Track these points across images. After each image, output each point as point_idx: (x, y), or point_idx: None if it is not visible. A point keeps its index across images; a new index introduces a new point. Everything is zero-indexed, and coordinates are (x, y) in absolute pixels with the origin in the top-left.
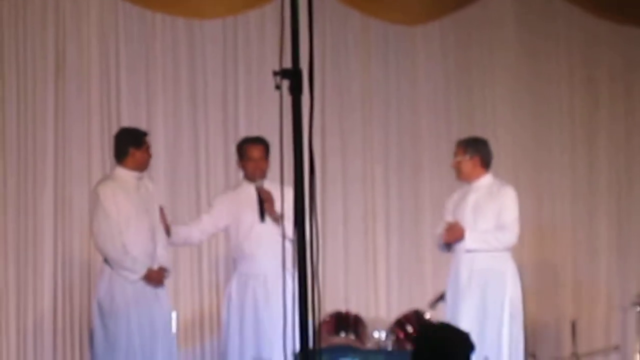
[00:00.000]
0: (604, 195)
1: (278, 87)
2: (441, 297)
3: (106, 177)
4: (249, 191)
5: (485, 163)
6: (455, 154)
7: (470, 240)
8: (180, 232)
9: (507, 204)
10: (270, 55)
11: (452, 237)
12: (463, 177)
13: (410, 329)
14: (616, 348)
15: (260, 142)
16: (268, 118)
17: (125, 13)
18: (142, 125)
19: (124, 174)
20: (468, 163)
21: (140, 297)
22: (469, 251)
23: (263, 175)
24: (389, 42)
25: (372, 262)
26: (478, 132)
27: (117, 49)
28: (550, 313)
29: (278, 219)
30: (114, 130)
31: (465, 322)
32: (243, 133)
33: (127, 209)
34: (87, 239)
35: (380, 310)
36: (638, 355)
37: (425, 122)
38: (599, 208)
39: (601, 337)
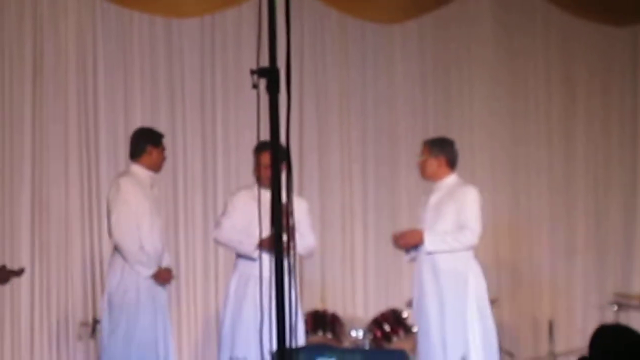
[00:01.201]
0: (581, 192)
1: (255, 85)
2: None
3: (124, 172)
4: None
5: (451, 163)
6: (421, 153)
7: (429, 243)
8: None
9: (467, 204)
10: (248, 54)
11: (409, 243)
12: (427, 176)
13: (387, 327)
14: None
15: (266, 148)
16: (245, 116)
17: (103, 12)
18: (120, 125)
19: (140, 171)
20: (433, 162)
21: (154, 294)
22: (429, 253)
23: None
24: (366, 40)
25: (349, 261)
26: (455, 130)
27: (95, 48)
28: (527, 311)
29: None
30: (92, 131)
31: (430, 324)
32: (220, 131)
33: (143, 205)
34: (64, 239)
35: (358, 309)
36: None
37: (403, 120)
38: (576, 206)
39: (578, 336)
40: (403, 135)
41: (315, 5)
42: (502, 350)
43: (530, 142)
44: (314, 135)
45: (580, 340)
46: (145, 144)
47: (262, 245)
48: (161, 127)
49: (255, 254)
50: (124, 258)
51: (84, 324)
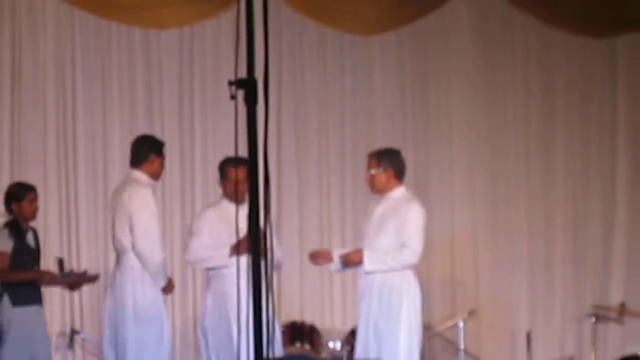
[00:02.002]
0: (559, 203)
1: (233, 97)
2: None
3: (133, 180)
4: (230, 211)
5: (399, 174)
6: (368, 167)
7: (368, 263)
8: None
9: (409, 221)
10: (226, 65)
11: (352, 262)
12: (377, 190)
13: None
14: (571, 359)
15: (243, 163)
16: (224, 128)
17: (82, 23)
18: (98, 135)
19: (144, 179)
20: (382, 176)
21: (164, 303)
22: (367, 273)
23: (243, 198)
24: (344, 52)
25: (327, 272)
26: (434, 141)
27: (73, 59)
28: (505, 323)
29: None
30: (70, 141)
31: (363, 338)
32: (199, 143)
33: (155, 214)
34: (43, 248)
35: (336, 320)
36: None
37: (381, 132)
38: (554, 217)
39: (556, 348)
40: (381, 147)
41: (294, 16)
42: None
43: (509, 153)
44: (292, 147)
45: (558, 352)
46: (149, 152)
47: (238, 248)
48: None
49: (229, 261)
50: (147, 268)
51: (61, 334)
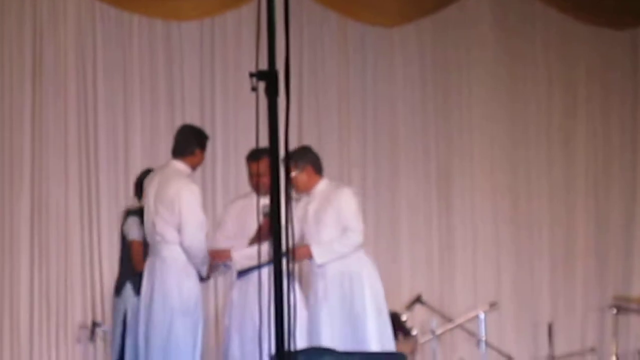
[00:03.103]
0: (581, 195)
1: (254, 88)
2: (418, 299)
3: (175, 172)
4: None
5: (317, 169)
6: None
7: (318, 256)
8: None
9: (344, 206)
10: (247, 57)
11: (301, 257)
12: (302, 190)
13: None
14: (592, 350)
15: (258, 157)
16: (245, 120)
17: (103, 15)
18: (119, 127)
19: (184, 169)
20: (302, 176)
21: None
22: (320, 266)
23: (265, 190)
24: (366, 43)
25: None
26: (455, 133)
27: (95, 51)
28: (527, 315)
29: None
30: (91, 133)
31: (329, 331)
32: (220, 135)
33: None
34: (64, 240)
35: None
36: (614, 358)
37: (403, 123)
38: (576, 208)
39: (577, 339)
40: (403, 139)
41: (315, 8)
42: (502, 354)
43: (530, 145)
44: (313, 139)
45: (580, 343)
46: (195, 146)
47: (259, 235)
48: (160, 130)
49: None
50: (193, 261)
51: (83, 326)
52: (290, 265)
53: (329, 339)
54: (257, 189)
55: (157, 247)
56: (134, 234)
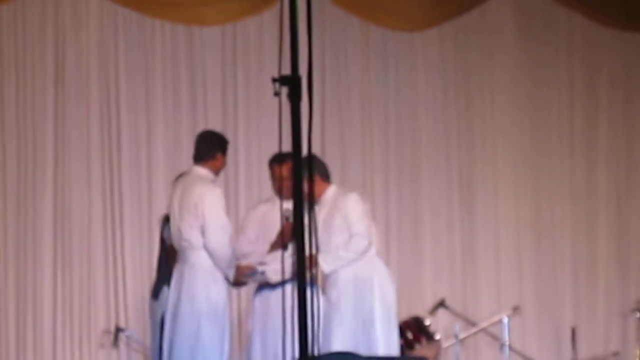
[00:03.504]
0: (603, 201)
1: (277, 93)
2: (441, 303)
3: (198, 177)
4: (279, 207)
5: (325, 176)
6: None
7: (325, 265)
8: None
9: (350, 211)
10: (269, 62)
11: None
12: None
13: (410, 335)
14: (615, 354)
15: (282, 160)
16: (267, 125)
17: (125, 20)
18: (142, 132)
19: (207, 175)
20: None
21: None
22: (328, 274)
23: (288, 194)
24: (388, 48)
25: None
26: (477, 138)
27: (117, 56)
28: (549, 319)
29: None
30: (114, 137)
31: (340, 336)
32: (242, 140)
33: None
34: (87, 245)
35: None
36: None
37: (425, 128)
38: (598, 214)
39: (601, 344)
40: (425, 144)
41: (337, 13)
42: (526, 358)
43: (552, 151)
44: (335, 144)
45: (603, 348)
46: (216, 150)
47: (282, 241)
48: (182, 134)
49: (269, 257)
50: (219, 264)
51: (106, 332)
52: (314, 270)
53: (340, 344)
54: (280, 192)
55: (185, 254)
56: None
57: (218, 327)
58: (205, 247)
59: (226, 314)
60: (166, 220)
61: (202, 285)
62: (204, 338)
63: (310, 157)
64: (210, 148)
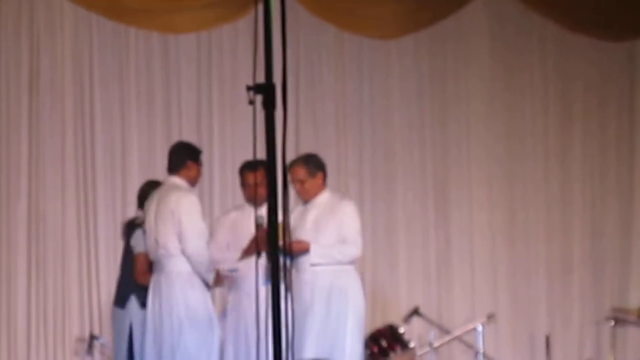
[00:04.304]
0: (577, 207)
1: (251, 102)
2: (415, 311)
3: (173, 186)
4: (250, 214)
5: (326, 177)
6: (296, 176)
7: (315, 254)
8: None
9: (347, 218)
10: (244, 70)
11: (297, 250)
12: (307, 198)
13: (384, 343)
14: None
15: (255, 167)
16: (242, 132)
17: (100, 28)
18: (116, 139)
19: (182, 184)
20: (313, 183)
21: (213, 306)
22: (313, 265)
23: (262, 201)
24: (363, 56)
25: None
26: (452, 145)
27: (91, 63)
28: (524, 327)
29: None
30: (88, 144)
31: (311, 340)
32: (217, 148)
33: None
34: (61, 252)
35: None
36: None
37: (399, 136)
38: (572, 220)
39: (575, 351)
40: (400, 151)
41: (312, 21)
42: None
43: (527, 157)
44: (310, 151)
45: (577, 356)
46: (186, 159)
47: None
48: (157, 141)
49: (241, 264)
50: (198, 270)
51: (80, 339)
52: (287, 277)
53: (312, 350)
54: (252, 199)
55: (161, 263)
56: (138, 246)
57: (200, 333)
58: (183, 253)
59: (209, 319)
60: (130, 226)
61: (181, 292)
62: (187, 345)
63: (313, 155)
64: (180, 157)
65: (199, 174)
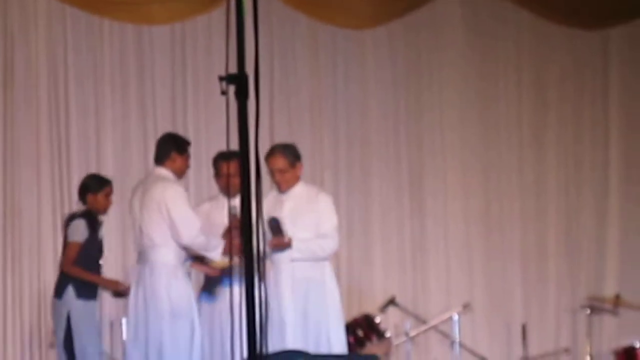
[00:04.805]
0: (552, 196)
1: (224, 92)
2: (391, 301)
3: (158, 177)
4: (224, 204)
5: (302, 168)
6: (276, 165)
7: (297, 250)
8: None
9: (324, 213)
10: (218, 61)
11: (279, 245)
12: (284, 187)
13: (360, 333)
14: (566, 351)
15: (229, 157)
16: (216, 124)
17: (74, 21)
18: (91, 133)
19: (167, 174)
20: (294, 173)
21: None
22: (294, 260)
23: (236, 191)
24: (337, 46)
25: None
26: (427, 134)
27: (66, 57)
28: (500, 316)
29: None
30: (63, 139)
31: (294, 333)
32: (192, 139)
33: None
34: (37, 247)
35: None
36: (588, 358)
37: (374, 125)
38: (547, 209)
39: (551, 340)
40: (374, 141)
41: (285, 11)
42: (476, 355)
43: (501, 145)
44: (284, 141)
45: (553, 344)
46: (170, 150)
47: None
48: (132, 135)
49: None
50: (203, 252)
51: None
52: (261, 267)
53: (296, 342)
54: (226, 189)
55: (146, 253)
56: (74, 235)
57: (183, 325)
58: (179, 244)
59: (193, 311)
60: (70, 218)
61: (164, 283)
62: (170, 335)
63: (290, 145)
64: (166, 149)
65: (185, 166)
